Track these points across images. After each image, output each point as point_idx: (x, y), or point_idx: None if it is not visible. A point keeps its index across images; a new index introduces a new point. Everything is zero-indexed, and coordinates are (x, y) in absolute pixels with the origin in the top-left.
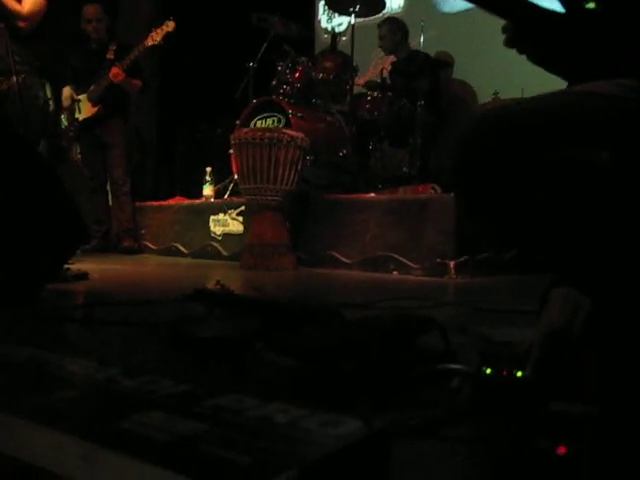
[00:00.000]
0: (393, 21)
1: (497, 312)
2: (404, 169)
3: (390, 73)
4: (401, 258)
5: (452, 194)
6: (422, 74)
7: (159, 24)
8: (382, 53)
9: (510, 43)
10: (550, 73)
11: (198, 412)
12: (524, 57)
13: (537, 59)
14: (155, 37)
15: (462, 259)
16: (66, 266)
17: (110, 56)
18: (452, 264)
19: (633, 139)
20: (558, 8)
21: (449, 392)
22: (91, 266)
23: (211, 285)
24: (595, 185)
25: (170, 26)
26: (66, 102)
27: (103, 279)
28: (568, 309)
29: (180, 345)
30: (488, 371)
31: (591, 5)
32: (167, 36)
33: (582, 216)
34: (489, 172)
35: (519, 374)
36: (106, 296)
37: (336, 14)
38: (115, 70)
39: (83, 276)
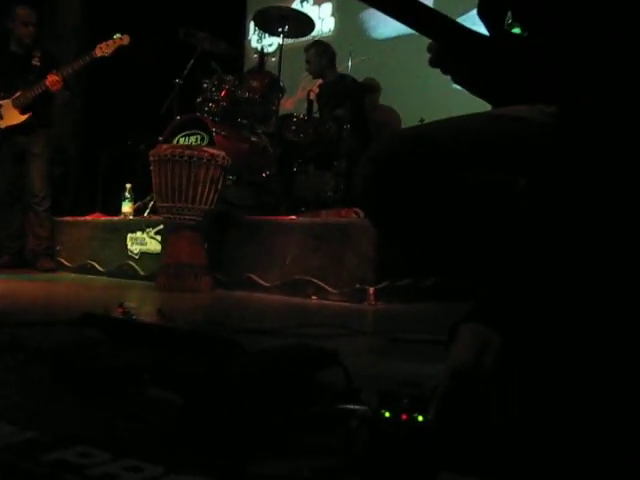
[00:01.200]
0: (320, 45)
1: (410, 343)
2: (328, 193)
3: (317, 96)
4: (320, 283)
5: None
6: (348, 98)
7: (96, 37)
8: (310, 76)
9: (434, 62)
10: (474, 95)
11: (32, 469)
12: (450, 84)
13: (460, 80)
14: (105, 49)
15: (382, 285)
16: None
17: (36, 63)
18: (371, 290)
19: (550, 167)
20: (484, 31)
21: (345, 437)
22: None
23: (114, 308)
24: (509, 210)
25: (125, 40)
26: None
27: (3, 297)
28: (476, 345)
29: (61, 376)
30: (387, 414)
31: (516, 30)
32: (118, 49)
33: (493, 242)
34: (397, 191)
35: (420, 418)
36: (1, 315)
37: (266, 34)
38: (53, 78)
39: None
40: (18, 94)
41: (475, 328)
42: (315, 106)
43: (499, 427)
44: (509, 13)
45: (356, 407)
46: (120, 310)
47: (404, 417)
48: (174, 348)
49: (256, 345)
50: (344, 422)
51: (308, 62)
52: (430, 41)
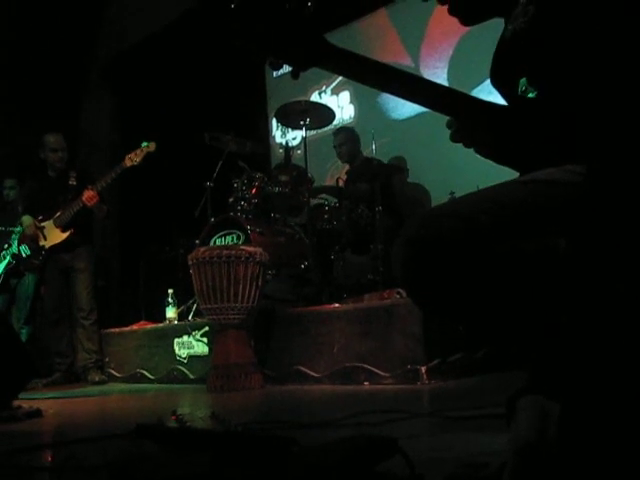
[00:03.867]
0: (348, 130)
1: (467, 419)
2: (368, 276)
3: (346, 182)
4: (371, 367)
5: None
6: (376, 179)
7: (132, 147)
8: (338, 163)
9: (455, 138)
10: (500, 164)
11: None
12: (476, 155)
13: (483, 152)
14: (134, 158)
15: (433, 363)
16: (17, 404)
17: (72, 182)
18: (423, 369)
19: (587, 225)
20: (500, 101)
21: None
22: (49, 403)
23: (168, 417)
24: (554, 274)
25: (152, 147)
26: (28, 231)
27: (58, 415)
28: (537, 419)
29: None
30: None
31: (532, 95)
32: (147, 157)
33: (542, 308)
34: (436, 271)
35: None
36: (57, 435)
37: (289, 129)
38: (89, 193)
39: (36, 413)
40: (58, 214)
41: (534, 400)
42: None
43: None
44: (523, 79)
45: None
46: (174, 418)
47: None
48: (230, 452)
49: (312, 440)
50: None
51: (339, 147)
52: (448, 117)
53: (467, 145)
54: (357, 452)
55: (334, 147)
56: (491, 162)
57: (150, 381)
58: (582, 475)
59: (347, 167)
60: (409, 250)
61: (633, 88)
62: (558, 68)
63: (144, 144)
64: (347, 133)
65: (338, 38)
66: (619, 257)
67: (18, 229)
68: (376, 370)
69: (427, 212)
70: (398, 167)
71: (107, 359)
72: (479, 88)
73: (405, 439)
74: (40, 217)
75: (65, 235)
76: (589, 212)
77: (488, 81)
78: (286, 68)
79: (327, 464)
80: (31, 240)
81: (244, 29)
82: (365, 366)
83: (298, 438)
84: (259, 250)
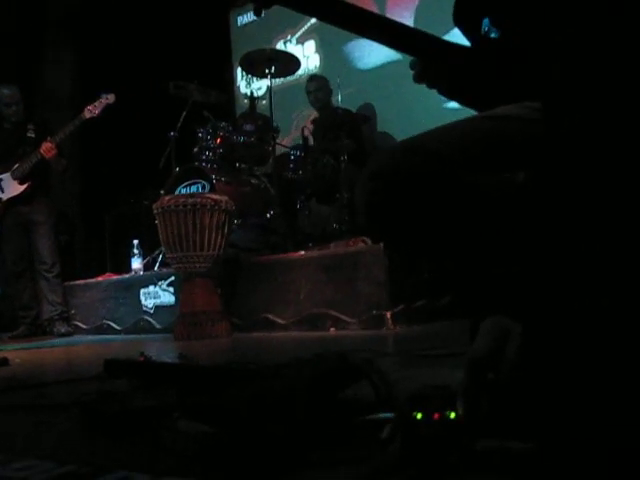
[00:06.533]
0: (323, 78)
1: (433, 357)
2: (334, 225)
3: (313, 132)
4: (337, 314)
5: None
6: (344, 130)
7: (89, 98)
8: (303, 112)
9: (419, 78)
10: (463, 105)
11: None
12: (443, 102)
13: (447, 92)
14: (93, 110)
15: (398, 308)
16: None
17: (30, 134)
18: (389, 314)
19: (544, 159)
20: (463, 41)
21: (380, 443)
22: (15, 353)
23: (136, 358)
24: (512, 206)
25: (110, 98)
26: None
27: (25, 364)
28: (496, 335)
29: (92, 424)
30: (419, 416)
31: (494, 35)
32: (107, 108)
33: (503, 238)
34: (401, 204)
35: (452, 415)
36: (25, 380)
37: (254, 78)
38: (47, 145)
39: (2, 362)
40: (16, 166)
41: (494, 320)
42: (310, 141)
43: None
44: (485, 20)
45: (385, 415)
46: (142, 359)
47: (436, 416)
48: (197, 384)
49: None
50: (377, 431)
51: (313, 92)
52: (412, 58)
53: (430, 86)
54: (324, 377)
55: (308, 93)
56: (459, 109)
57: (117, 332)
58: (541, 394)
59: (312, 116)
60: (372, 184)
61: (587, 27)
62: (519, 8)
63: (102, 95)
64: (322, 80)
65: None
66: (576, 188)
67: None
68: (342, 316)
69: (390, 146)
70: (365, 116)
71: (73, 311)
72: (445, 37)
73: None
74: None
75: (23, 187)
76: (547, 147)
77: (455, 31)
78: (250, 16)
79: (293, 392)
80: None
81: None
82: (331, 312)
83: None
84: (225, 198)
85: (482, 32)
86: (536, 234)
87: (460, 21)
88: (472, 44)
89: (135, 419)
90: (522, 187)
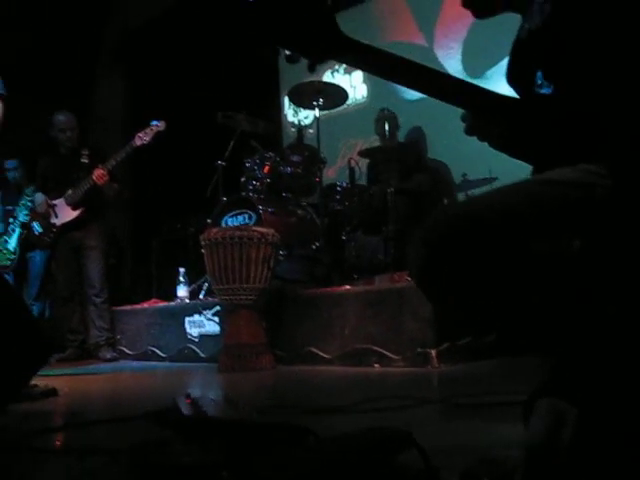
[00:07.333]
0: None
1: (478, 407)
2: (379, 256)
3: (372, 165)
4: (381, 350)
5: None
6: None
7: (140, 125)
8: (350, 142)
9: (470, 132)
10: (513, 158)
11: None
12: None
13: (497, 146)
14: (144, 137)
15: (443, 346)
16: (33, 383)
17: (85, 160)
18: (434, 352)
19: (602, 226)
20: (513, 94)
21: None
22: (62, 380)
23: (182, 399)
24: (568, 275)
25: (161, 125)
26: (40, 208)
27: (73, 394)
28: (551, 420)
29: (141, 476)
30: None
31: (546, 90)
32: (157, 136)
33: (556, 309)
34: (453, 271)
35: None
36: (73, 415)
37: (301, 108)
38: (99, 172)
39: (51, 392)
40: (70, 192)
41: (551, 402)
42: (357, 173)
43: None
44: (539, 73)
45: None
46: (188, 402)
47: None
48: (245, 441)
49: (326, 427)
50: None
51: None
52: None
53: (481, 139)
54: (374, 446)
55: (377, 121)
56: None
57: (161, 359)
58: None
59: (359, 147)
60: (424, 252)
61: None
62: (575, 67)
63: (153, 122)
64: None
65: (352, 17)
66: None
67: (23, 201)
68: (386, 352)
69: (441, 213)
70: (417, 148)
71: (119, 336)
72: (493, 69)
73: (416, 427)
74: (52, 195)
75: (76, 213)
76: (613, 213)
77: (501, 62)
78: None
79: (346, 458)
80: (43, 218)
81: (261, 23)
82: (375, 348)
83: (311, 424)
84: (271, 231)
85: (535, 85)
86: (595, 308)
87: (514, 80)
88: (523, 98)
89: (185, 476)
90: (578, 255)
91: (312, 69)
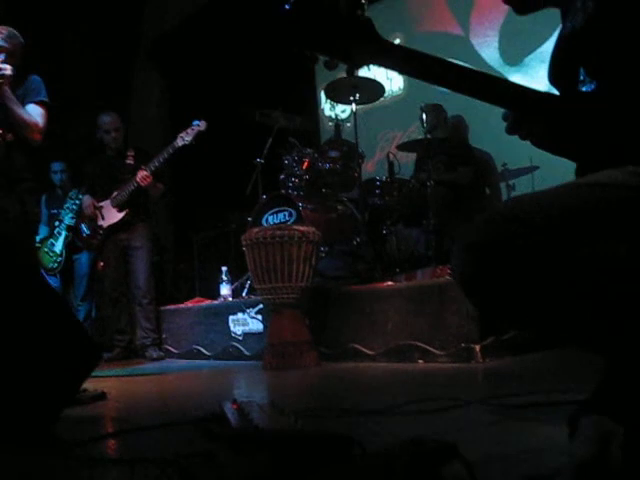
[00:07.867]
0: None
1: (525, 407)
2: (420, 250)
3: (420, 158)
4: (425, 345)
5: None
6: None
7: (179, 125)
8: (387, 135)
9: (511, 131)
10: (556, 155)
11: None
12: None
13: (540, 144)
14: (186, 137)
15: (487, 341)
16: (83, 387)
17: (130, 161)
18: (478, 347)
19: None
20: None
21: None
22: (110, 382)
23: (228, 405)
24: (615, 280)
25: (202, 126)
26: (88, 210)
27: (121, 398)
28: (599, 440)
29: None
30: None
31: (587, 87)
32: (199, 135)
33: (602, 314)
34: (498, 276)
35: None
36: (123, 421)
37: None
38: (142, 173)
39: (100, 396)
40: (115, 194)
41: (597, 421)
42: (396, 166)
43: None
44: (581, 70)
45: None
46: (234, 407)
47: None
48: (291, 452)
49: (370, 430)
50: None
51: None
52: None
53: (523, 137)
54: (419, 461)
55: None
56: None
57: (206, 357)
58: None
59: (397, 140)
60: (467, 256)
61: None
62: (620, 65)
63: (195, 123)
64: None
65: (387, 8)
66: None
67: (67, 204)
68: (430, 348)
69: (485, 215)
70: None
71: (164, 335)
72: (531, 56)
73: (464, 432)
74: (98, 196)
75: (122, 215)
76: None
77: (539, 49)
78: None
79: (392, 472)
80: (90, 220)
81: (299, 32)
82: (419, 344)
83: (356, 428)
84: (312, 229)
85: (578, 81)
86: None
87: (556, 78)
88: (563, 95)
89: None
90: (625, 260)
91: (351, 73)
